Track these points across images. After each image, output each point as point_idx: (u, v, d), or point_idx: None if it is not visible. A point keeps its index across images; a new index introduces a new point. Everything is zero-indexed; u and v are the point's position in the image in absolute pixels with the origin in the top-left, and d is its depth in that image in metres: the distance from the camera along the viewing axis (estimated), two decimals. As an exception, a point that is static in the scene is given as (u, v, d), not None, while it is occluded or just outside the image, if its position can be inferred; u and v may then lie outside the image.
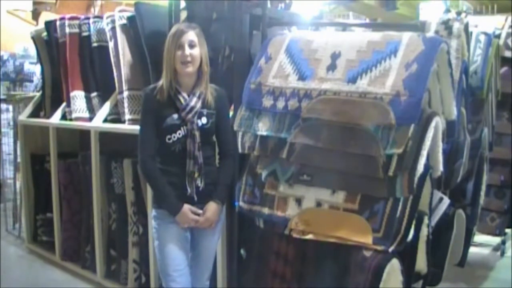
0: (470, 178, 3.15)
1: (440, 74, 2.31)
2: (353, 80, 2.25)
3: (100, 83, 3.71)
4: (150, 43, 3.15)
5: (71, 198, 4.03)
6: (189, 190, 2.37)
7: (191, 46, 2.32)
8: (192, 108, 2.35)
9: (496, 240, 4.57)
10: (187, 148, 2.35)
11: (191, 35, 2.33)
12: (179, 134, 2.35)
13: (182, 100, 2.34)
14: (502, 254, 4.49)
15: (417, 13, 6.52)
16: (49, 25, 4.03)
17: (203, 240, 2.48)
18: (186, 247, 2.42)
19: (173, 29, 2.37)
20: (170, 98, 2.35)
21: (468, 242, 3.13)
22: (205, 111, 2.39)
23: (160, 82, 2.38)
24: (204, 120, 2.39)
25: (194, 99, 2.36)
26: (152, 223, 2.47)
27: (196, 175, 2.37)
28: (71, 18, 3.80)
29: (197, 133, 2.36)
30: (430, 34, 2.45)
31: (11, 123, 5.71)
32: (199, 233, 2.46)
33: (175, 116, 2.34)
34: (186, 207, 2.34)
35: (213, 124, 2.42)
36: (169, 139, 2.35)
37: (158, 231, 2.40)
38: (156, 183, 2.38)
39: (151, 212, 2.48)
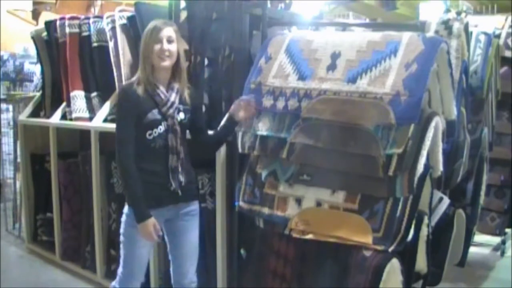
0: (470, 178, 3.15)
1: (440, 74, 2.31)
2: (353, 80, 2.25)
3: (100, 83, 3.71)
4: (150, 43, 3.15)
5: (71, 198, 4.03)
6: (173, 185, 2.38)
7: (169, 41, 2.35)
8: (173, 103, 2.38)
9: (496, 240, 4.57)
10: (169, 143, 2.36)
11: (169, 31, 2.36)
12: (160, 129, 2.36)
13: (162, 95, 2.36)
14: (502, 254, 4.48)
15: (417, 13, 6.53)
16: (49, 25, 4.03)
17: (185, 235, 2.51)
18: (151, 246, 2.49)
19: (150, 25, 2.39)
20: (148, 93, 2.35)
21: (468, 242, 3.13)
22: (181, 107, 2.42)
23: (135, 78, 2.39)
24: (182, 115, 2.42)
25: (173, 94, 2.39)
26: (123, 219, 2.44)
27: (179, 169, 2.38)
28: (71, 18, 3.80)
29: (178, 128, 2.39)
30: (430, 34, 2.45)
31: (11, 123, 5.70)
32: (180, 230, 2.49)
33: (155, 111, 2.35)
34: (153, 220, 2.32)
35: (189, 119, 2.46)
36: (150, 134, 2.35)
37: (131, 229, 2.37)
38: (133, 185, 2.33)
39: (124, 209, 2.44)
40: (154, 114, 2.34)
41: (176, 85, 2.41)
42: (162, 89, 2.37)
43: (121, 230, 2.46)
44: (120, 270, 2.50)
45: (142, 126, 2.34)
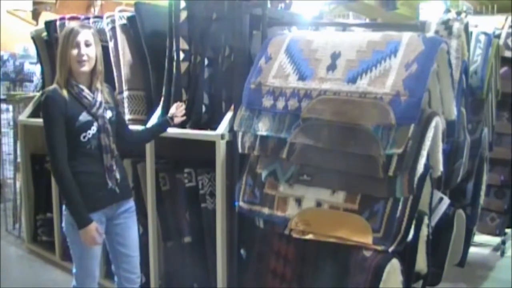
0: (470, 178, 3.15)
1: (440, 74, 2.31)
2: (353, 80, 2.25)
3: (100, 83, 3.71)
4: (150, 43, 3.15)
5: (71, 198, 4.03)
6: (110, 184, 2.41)
7: (87, 45, 2.33)
8: (101, 103, 2.40)
9: (496, 240, 4.57)
10: (102, 143, 2.38)
11: (87, 34, 2.34)
12: (93, 130, 2.37)
13: (89, 97, 2.37)
14: (502, 254, 4.48)
15: (417, 13, 6.53)
16: (49, 25, 4.03)
17: (128, 232, 2.57)
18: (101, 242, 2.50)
19: (67, 29, 2.37)
20: (73, 97, 2.35)
21: (468, 242, 3.13)
22: (107, 105, 2.45)
23: (55, 83, 2.36)
24: (109, 113, 2.45)
25: (99, 95, 2.41)
26: (66, 220, 2.42)
27: (114, 167, 2.42)
28: (71, 18, 3.80)
29: (109, 127, 2.42)
30: (430, 34, 2.45)
31: (11, 123, 5.70)
32: (122, 228, 2.54)
33: (85, 113, 2.35)
34: (94, 224, 2.32)
35: (116, 116, 2.51)
36: (84, 137, 2.35)
37: (77, 231, 2.34)
38: (71, 191, 2.30)
39: (64, 210, 2.43)
40: (85, 116, 2.35)
41: (97, 86, 2.42)
42: (86, 91, 2.37)
43: (66, 232, 2.46)
44: (74, 271, 2.52)
45: (75, 129, 2.33)
